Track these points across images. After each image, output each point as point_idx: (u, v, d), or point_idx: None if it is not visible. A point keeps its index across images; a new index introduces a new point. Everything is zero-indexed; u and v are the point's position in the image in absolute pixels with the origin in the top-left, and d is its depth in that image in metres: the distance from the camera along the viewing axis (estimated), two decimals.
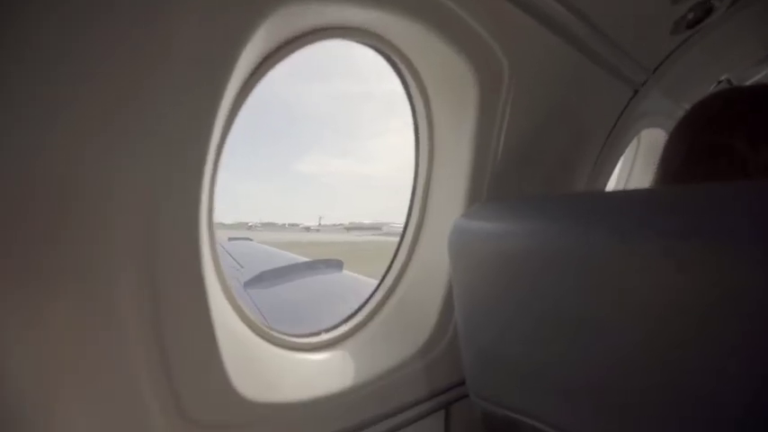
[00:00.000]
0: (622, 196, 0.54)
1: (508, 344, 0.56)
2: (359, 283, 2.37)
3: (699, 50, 1.03)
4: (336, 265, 2.58)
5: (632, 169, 1.48)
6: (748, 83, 1.30)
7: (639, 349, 0.39)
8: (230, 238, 3.79)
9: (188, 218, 0.43)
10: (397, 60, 0.78)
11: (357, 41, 0.73)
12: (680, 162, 0.61)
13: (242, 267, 2.54)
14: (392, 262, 0.93)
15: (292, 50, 0.64)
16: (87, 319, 0.39)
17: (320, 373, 0.76)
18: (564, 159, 1.02)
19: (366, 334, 0.87)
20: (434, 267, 0.88)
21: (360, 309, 0.90)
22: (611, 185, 1.25)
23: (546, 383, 0.51)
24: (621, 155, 1.21)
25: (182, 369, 0.47)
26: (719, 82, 1.22)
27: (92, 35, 0.33)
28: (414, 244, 0.91)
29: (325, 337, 0.83)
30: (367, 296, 0.92)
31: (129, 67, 0.35)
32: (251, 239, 4.19)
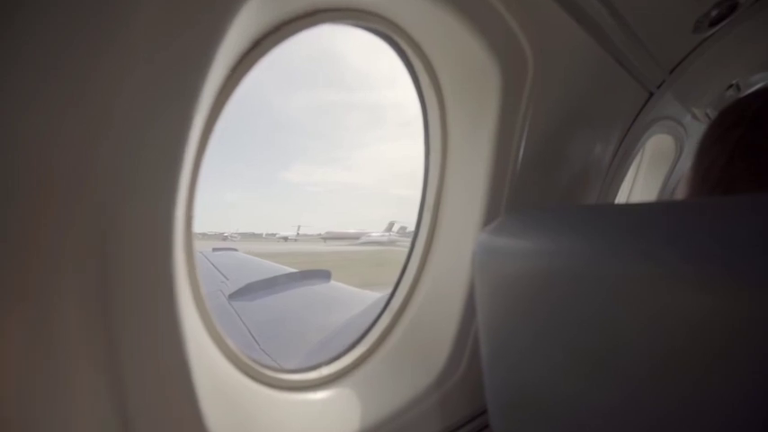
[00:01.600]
0: (678, 208, 0.47)
1: (542, 376, 0.50)
2: (350, 294, 2.27)
3: (715, 52, 0.99)
4: (324, 275, 2.47)
5: (636, 177, 1.44)
6: (753, 89, 1.28)
7: (689, 402, 0.33)
8: (214, 249, 3.68)
9: (156, 230, 0.37)
10: (406, 48, 0.68)
11: (360, 26, 0.62)
12: (720, 165, 0.57)
13: (227, 279, 2.46)
14: (399, 281, 0.83)
15: (286, 35, 0.53)
16: (29, 344, 0.33)
17: (320, 416, 0.64)
18: (580, 166, 0.94)
19: (372, 366, 0.75)
20: (447, 285, 0.78)
21: (364, 336, 0.79)
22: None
23: (588, 427, 0.45)
24: (632, 163, 1.15)
25: (143, 415, 0.39)
26: (730, 86, 1.19)
27: (49, 30, 0.29)
28: (423, 260, 0.81)
29: (325, 371, 0.71)
30: (371, 321, 0.81)
31: (85, 50, 0.30)
32: (236, 250, 4.04)
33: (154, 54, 0.33)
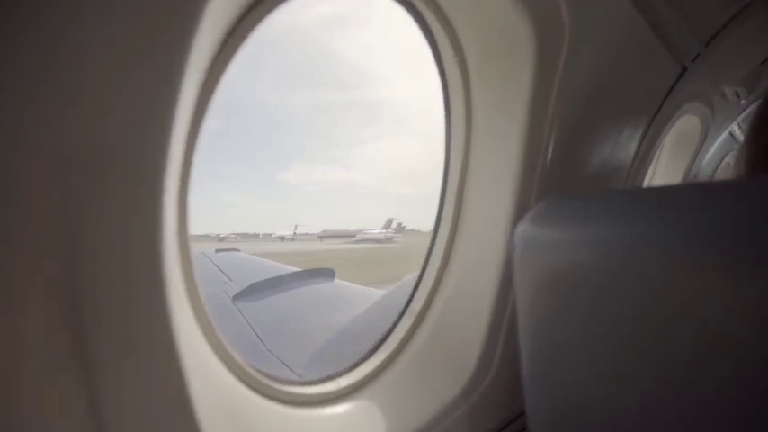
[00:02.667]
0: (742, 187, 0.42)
1: (594, 376, 0.46)
2: (355, 292, 2.23)
3: (752, 23, 0.92)
4: (328, 273, 2.44)
5: (658, 161, 1.36)
6: None
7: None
8: (217, 250, 3.65)
9: (140, 225, 0.33)
10: (428, 15, 0.60)
11: None
12: None
13: (230, 280, 2.42)
14: (419, 279, 0.75)
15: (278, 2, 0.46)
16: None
17: None
18: (610, 148, 0.87)
19: (394, 375, 0.67)
20: (475, 281, 0.70)
21: (383, 341, 0.71)
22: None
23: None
24: (659, 146, 1.08)
25: None
26: (763, 62, 1.12)
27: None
28: (447, 255, 0.73)
29: (343, 382, 0.63)
30: (391, 324, 0.73)
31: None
32: (239, 250, 4.03)
33: (130, 18, 0.28)
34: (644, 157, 1.00)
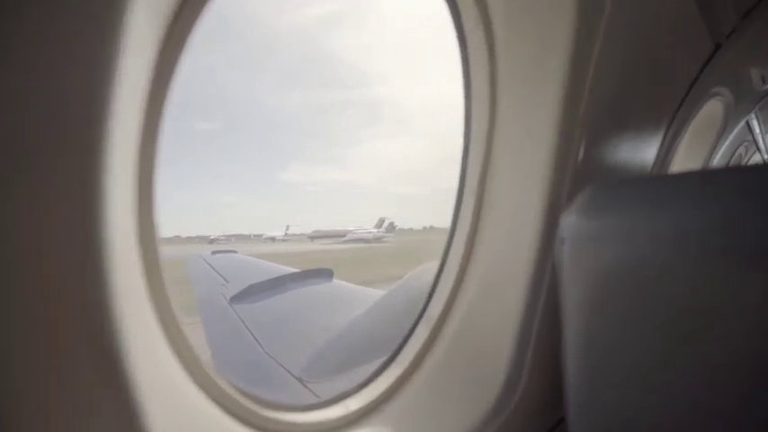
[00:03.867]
0: None
1: (662, 394, 0.41)
2: (354, 292, 2.21)
3: None
4: (326, 274, 2.37)
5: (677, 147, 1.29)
6: None
7: None
8: (214, 252, 3.61)
9: (69, 224, 0.27)
10: None
11: None
12: None
13: (227, 282, 2.38)
14: (436, 282, 0.65)
15: None
16: None
17: None
18: (641, 130, 0.79)
19: (411, 395, 0.58)
20: (501, 282, 0.62)
21: (397, 353, 0.62)
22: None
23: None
24: (686, 132, 1.01)
25: None
26: None
27: None
28: (467, 254, 0.64)
29: (352, 406, 0.53)
30: (405, 334, 0.63)
31: None
32: (235, 252, 3.97)
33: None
34: (672, 140, 0.93)
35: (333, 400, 0.54)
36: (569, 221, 0.45)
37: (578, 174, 0.60)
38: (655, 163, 0.91)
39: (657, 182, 0.48)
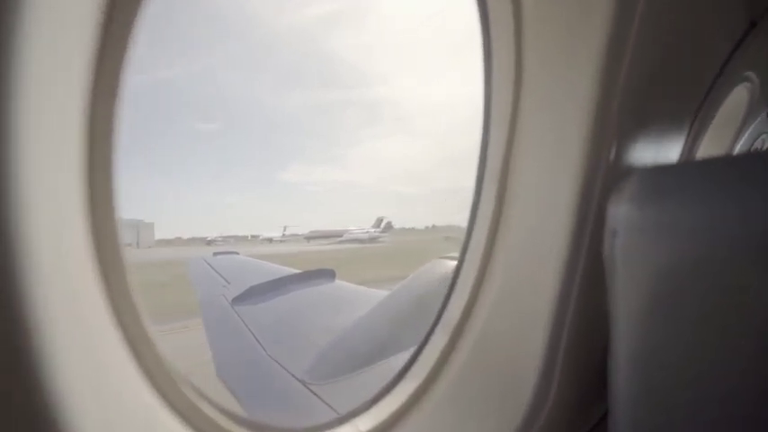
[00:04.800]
0: None
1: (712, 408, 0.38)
2: (356, 293, 2.20)
3: None
4: (328, 274, 2.34)
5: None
6: None
7: None
8: (215, 253, 3.58)
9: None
10: None
11: None
12: None
13: (229, 283, 2.38)
14: (453, 283, 0.59)
15: None
16: None
17: None
18: (673, 114, 0.73)
19: (427, 411, 0.52)
20: (528, 281, 0.55)
21: (410, 365, 0.55)
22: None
23: None
24: (712, 118, 0.95)
25: None
26: None
27: None
28: (488, 251, 0.57)
29: (362, 427, 0.47)
30: (420, 342, 0.57)
31: None
32: (237, 253, 3.94)
33: None
34: (701, 126, 0.87)
35: (341, 419, 0.48)
36: (621, 211, 0.40)
37: (614, 163, 0.54)
38: (682, 151, 0.85)
39: (718, 164, 0.43)
